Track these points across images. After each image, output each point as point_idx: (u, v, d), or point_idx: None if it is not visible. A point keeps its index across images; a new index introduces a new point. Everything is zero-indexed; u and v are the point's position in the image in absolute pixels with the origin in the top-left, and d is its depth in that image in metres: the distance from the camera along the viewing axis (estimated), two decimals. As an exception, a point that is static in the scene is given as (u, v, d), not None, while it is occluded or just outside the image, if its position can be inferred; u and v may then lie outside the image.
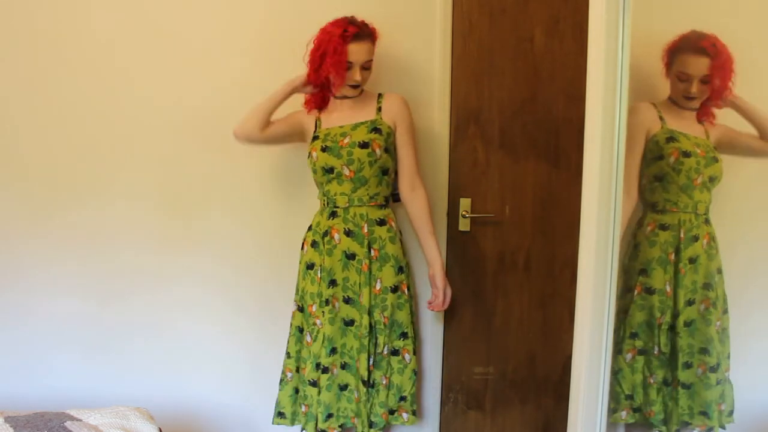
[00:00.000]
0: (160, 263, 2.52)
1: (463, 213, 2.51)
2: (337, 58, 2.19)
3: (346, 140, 2.24)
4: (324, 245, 2.26)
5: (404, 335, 2.27)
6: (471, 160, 2.51)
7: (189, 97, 2.48)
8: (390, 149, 2.29)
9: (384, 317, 2.24)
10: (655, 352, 2.11)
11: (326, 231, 2.27)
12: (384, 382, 2.25)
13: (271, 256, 2.55)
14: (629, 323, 2.12)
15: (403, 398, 2.27)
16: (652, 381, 2.12)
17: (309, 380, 2.27)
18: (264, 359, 2.57)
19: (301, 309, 2.33)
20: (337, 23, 2.24)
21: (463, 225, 2.52)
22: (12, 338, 2.48)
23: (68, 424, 1.82)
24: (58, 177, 2.47)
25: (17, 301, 2.47)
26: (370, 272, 2.24)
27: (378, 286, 2.24)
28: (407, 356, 2.27)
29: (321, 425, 2.24)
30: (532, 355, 2.56)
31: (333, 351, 2.23)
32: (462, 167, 2.52)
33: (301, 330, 2.32)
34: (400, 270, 2.27)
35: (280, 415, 2.35)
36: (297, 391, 2.33)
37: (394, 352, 2.26)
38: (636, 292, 2.12)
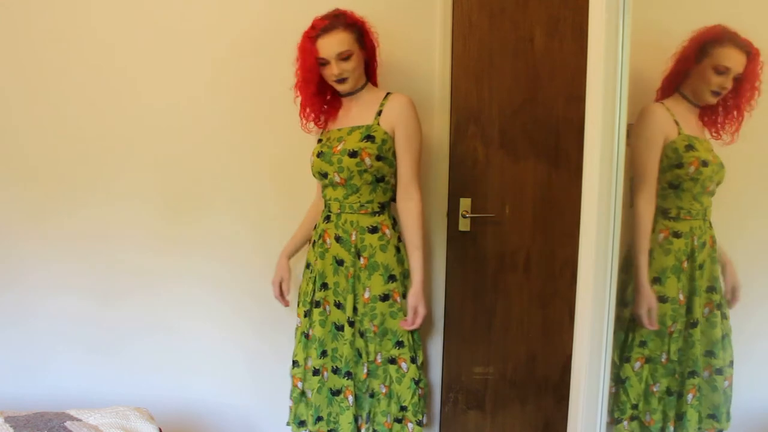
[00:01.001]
0: (161, 263, 2.52)
1: (463, 213, 2.51)
2: (305, 58, 2.09)
3: (339, 147, 2.17)
4: (318, 247, 2.25)
5: (400, 344, 2.18)
6: (471, 160, 2.51)
7: (190, 97, 2.48)
8: (386, 156, 2.17)
9: (374, 326, 2.17)
10: (663, 360, 2.07)
11: (321, 233, 2.25)
12: (384, 391, 2.21)
13: (272, 257, 2.54)
14: (639, 331, 2.07)
15: (403, 408, 2.21)
16: (655, 389, 2.09)
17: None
18: (264, 359, 2.57)
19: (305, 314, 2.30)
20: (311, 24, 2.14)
21: (463, 225, 2.52)
22: (12, 338, 2.48)
23: (68, 424, 1.82)
24: (59, 177, 2.47)
25: (17, 301, 2.48)
26: (358, 280, 2.18)
27: (367, 295, 2.17)
28: (404, 365, 2.19)
29: (311, 428, 2.22)
30: (532, 355, 2.55)
31: (324, 354, 2.22)
32: (462, 167, 2.52)
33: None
34: (391, 278, 2.17)
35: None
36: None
37: (392, 361, 2.19)
38: None
